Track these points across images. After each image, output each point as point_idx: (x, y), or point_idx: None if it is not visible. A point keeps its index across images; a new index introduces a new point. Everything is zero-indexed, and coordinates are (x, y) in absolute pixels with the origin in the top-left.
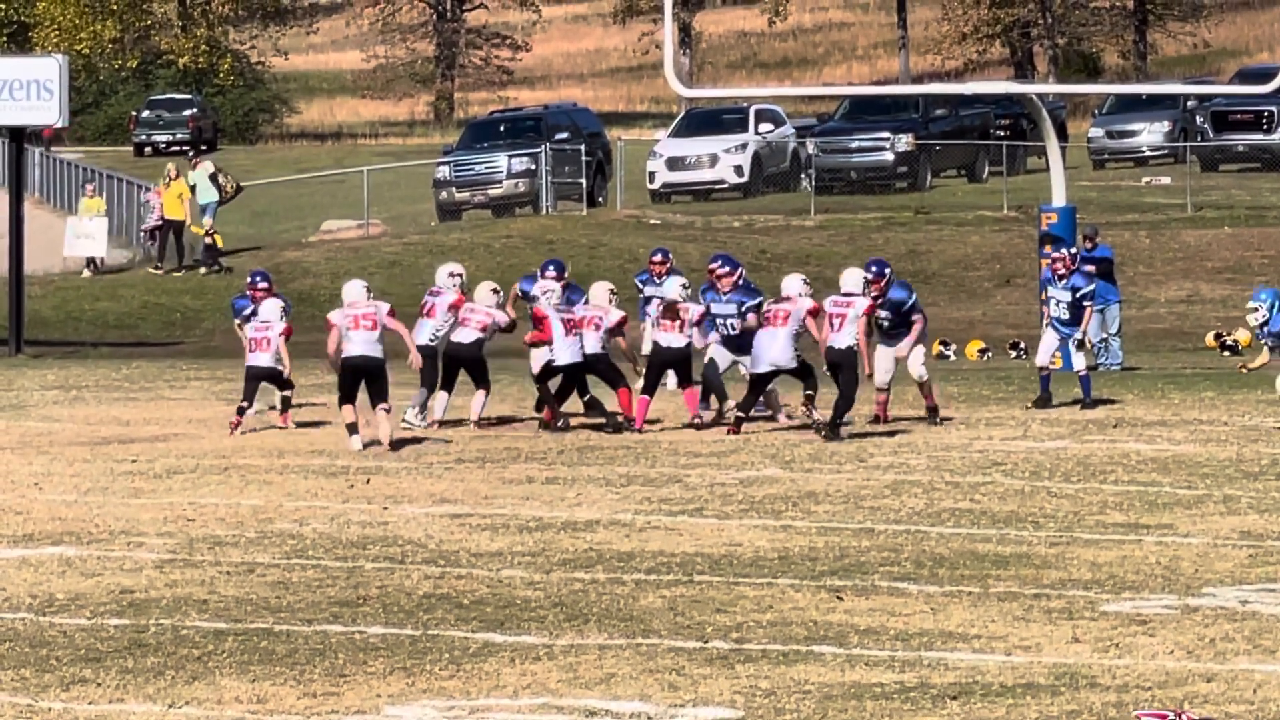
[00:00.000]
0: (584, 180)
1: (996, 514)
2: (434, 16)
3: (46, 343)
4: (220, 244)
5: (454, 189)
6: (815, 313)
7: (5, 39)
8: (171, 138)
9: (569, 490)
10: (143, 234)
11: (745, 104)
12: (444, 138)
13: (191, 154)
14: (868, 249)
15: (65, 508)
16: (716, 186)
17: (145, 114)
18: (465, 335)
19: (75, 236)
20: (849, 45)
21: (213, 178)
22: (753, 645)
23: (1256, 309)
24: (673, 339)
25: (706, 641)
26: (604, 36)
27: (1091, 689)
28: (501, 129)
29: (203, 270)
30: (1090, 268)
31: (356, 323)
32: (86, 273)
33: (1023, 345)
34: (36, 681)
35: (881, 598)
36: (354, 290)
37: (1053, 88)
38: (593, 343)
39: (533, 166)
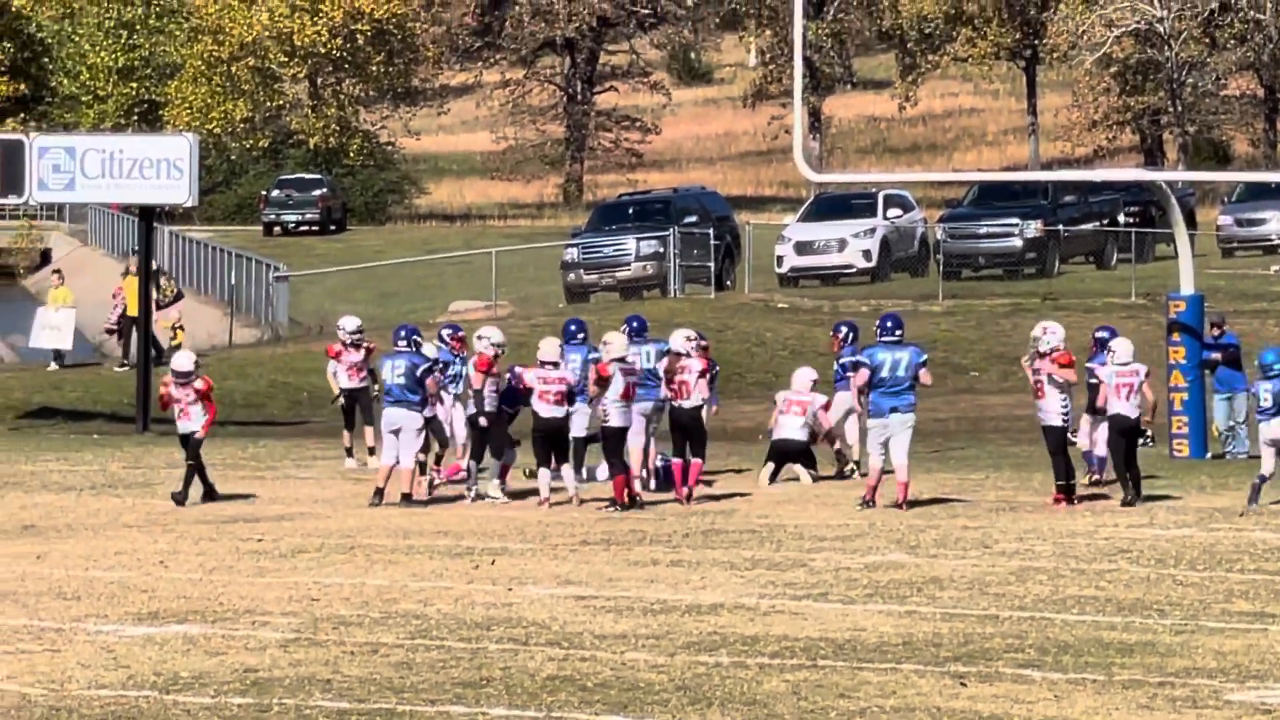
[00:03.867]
0: (712, 264)
1: (1122, 601)
2: (564, 99)
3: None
4: (179, 340)
5: (582, 271)
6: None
7: (136, 118)
8: (300, 217)
9: (694, 573)
10: (103, 332)
11: (874, 189)
12: (572, 220)
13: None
14: (995, 334)
15: (190, 586)
16: (845, 271)
17: (275, 194)
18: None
19: (42, 328)
20: (979, 131)
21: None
22: None
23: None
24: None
25: None
26: (733, 120)
27: None
28: (630, 212)
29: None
30: (1216, 355)
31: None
32: (53, 365)
33: (1150, 433)
34: None
35: (1005, 685)
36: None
37: (1182, 175)
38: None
39: (661, 249)
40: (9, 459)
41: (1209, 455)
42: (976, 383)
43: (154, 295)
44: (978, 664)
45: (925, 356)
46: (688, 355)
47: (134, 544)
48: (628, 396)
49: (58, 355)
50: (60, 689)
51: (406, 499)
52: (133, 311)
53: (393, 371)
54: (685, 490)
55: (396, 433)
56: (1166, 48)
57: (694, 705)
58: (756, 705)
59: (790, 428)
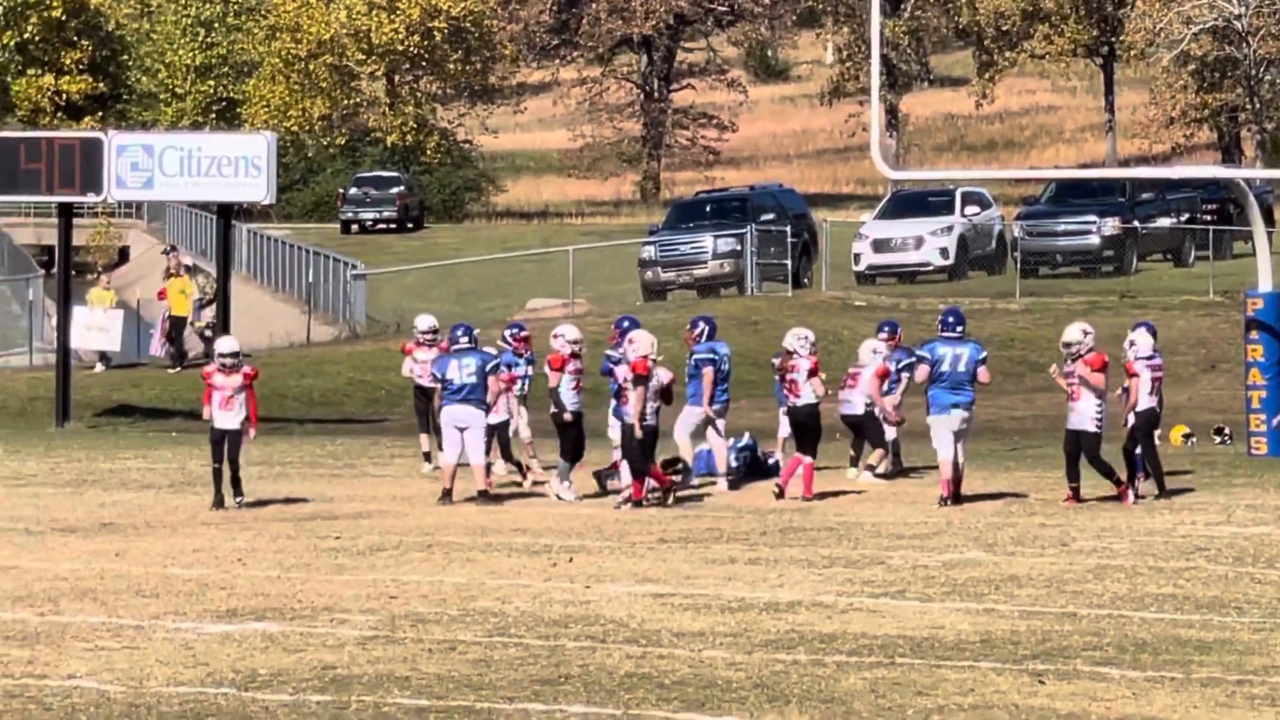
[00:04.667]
0: (789, 261)
1: (1200, 599)
2: (641, 97)
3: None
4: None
5: (659, 269)
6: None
7: (214, 115)
8: (378, 215)
9: (771, 571)
10: (162, 342)
11: (951, 186)
12: (649, 217)
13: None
14: None
15: (269, 583)
16: (922, 269)
17: (353, 191)
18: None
19: (87, 329)
20: (1056, 129)
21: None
22: None
23: None
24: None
25: None
26: (810, 118)
27: None
28: (707, 209)
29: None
30: None
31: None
32: (100, 367)
33: (1227, 431)
34: None
35: (1084, 682)
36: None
37: (1260, 173)
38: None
39: (738, 247)
40: (88, 456)
41: None
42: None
43: (193, 293)
44: (1056, 662)
45: (985, 354)
46: (797, 354)
47: (212, 541)
48: (666, 397)
49: (104, 357)
50: (139, 686)
51: (484, 495)
52: (177, 311)
53: (461, 370)
54: (804, 493)
55: (463, 430)
56: (1244, 44)
57: (771, 703)
58: (834, 703)
59: (851, 402)
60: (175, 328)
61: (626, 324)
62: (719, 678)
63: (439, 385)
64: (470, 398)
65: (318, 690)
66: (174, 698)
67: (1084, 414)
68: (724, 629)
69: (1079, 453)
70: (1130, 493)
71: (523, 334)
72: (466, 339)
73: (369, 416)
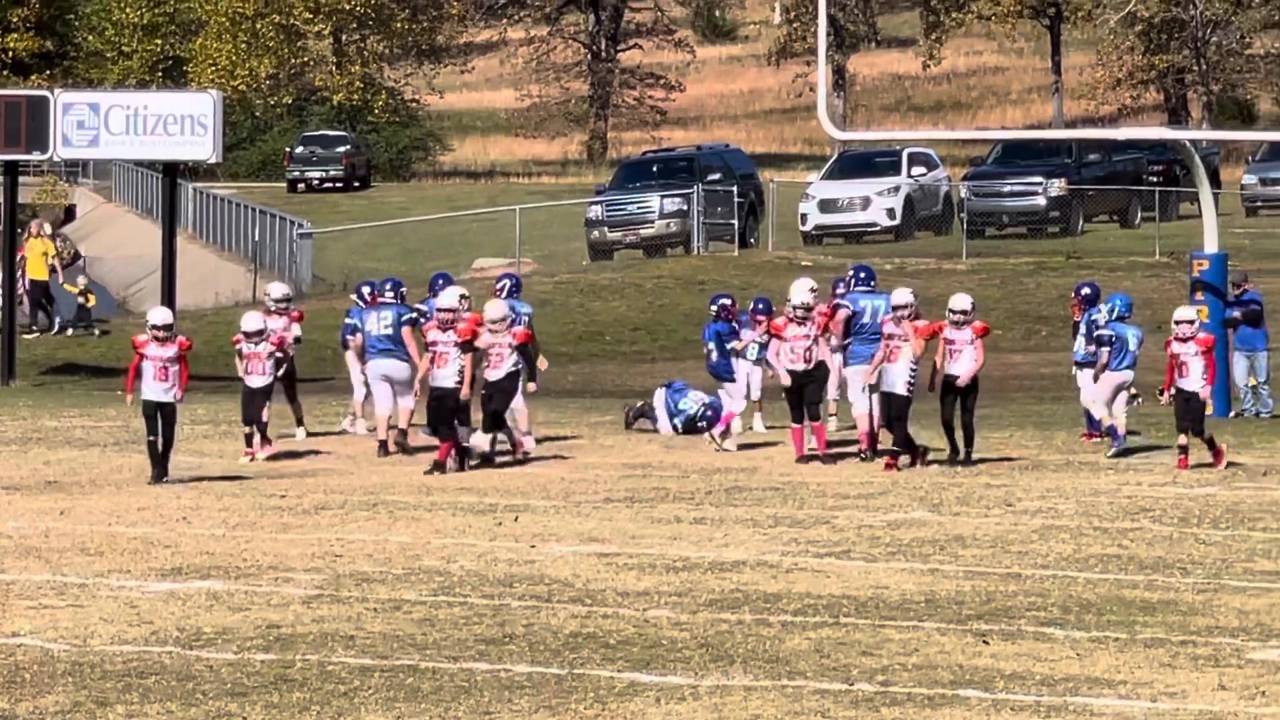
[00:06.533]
0: (736, 221)
1: (1144, 560)
2: (588, 56)
3: (196, 377)
4: (92, 303)
5: (606, 229)
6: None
7: (161, 74)
8: (325, 174)
9: (716, 531)
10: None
11: (898, 147)
12: (596, 177)
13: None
14: (1019, 293)
15: (213, 542)
16: (869, 229)
17: (299, 150)
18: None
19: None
20: (1003, 89)
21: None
22: (898, 689)
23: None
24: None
25: (852, 684)
26: (758, 78)
27: None
28: (654, 169)
29: (70, 331)
30: (1236, 313)
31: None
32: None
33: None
34: (182, 715)
35: (1027, 643)
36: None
37: (1206, 134)
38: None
39: (685, 207)
40: (33, 414)
41: (1232, 414)
42: (1000, 341)
43: (50, 257)
44: (1000, 622)
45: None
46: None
47: (157, 500)
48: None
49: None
50: (83, 644)
51: (403, 435)
52: (34, 275)
53: (380, 323)
54: (818, 452)
55: (390, 381)
56: (1191, 6)
57: (716, 663)
58: (779, 663)
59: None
60: (36, 291)
61: (441, 281)
62: (664, 637)
63: (356, 338)
64: (392, 351)
65: (262, 649)
66: (118, 656)
67: (898, 376)
68: (669, 589)
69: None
70: (894, 465)
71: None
72: (392, 293)
73: (315, 375)
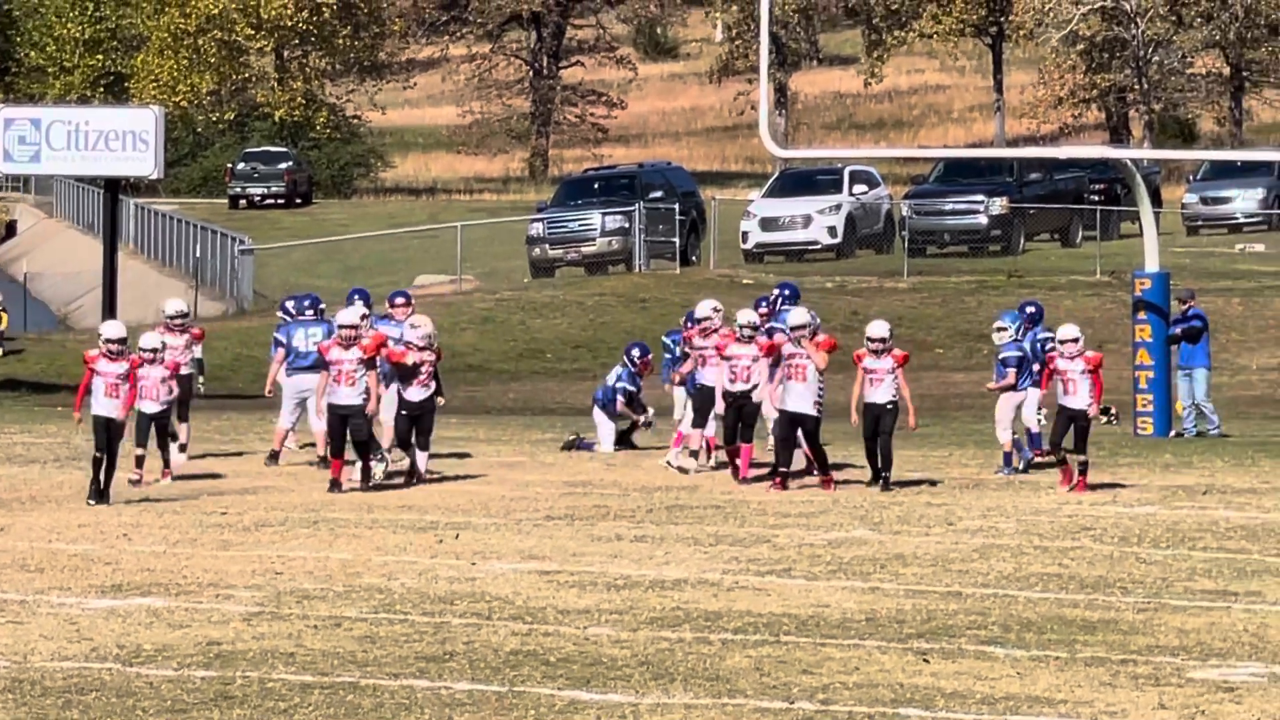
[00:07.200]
0: (677, 239)
1: (1085, 579)
2: (530, 73)
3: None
4: (4, 324)
5: (547, 246)
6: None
7: (102, 90)
8: (266, 191)
9: (657, 549)
10: None
11: (840, 165)
12: (538, 194)
13: None
14: (960, 311)
15: (154, 559)
16: (810, 247)
17: (241, 166)
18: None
19: None
20: (945, 108)
21: None
22: (838, 707)
23: (1004, 329)
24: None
25: (792, 702)
26: (699, 95)
27: None
28: (596, 187)
29: None
30: (1177, 331)
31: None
32: None
33: (1114, 411)
34: None
35: (968, 661)
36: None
37: (1148, 153)
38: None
39: (626, 225)
40: None
41: (1173, 433)
42: (941, 359)
43: None
44: (941, 641)
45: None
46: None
47: (97, 516)
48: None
49: None
50: (23, 661)
51: (272, 456)
52: None
53: (308, 340)
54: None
55: (309, 398)
56: (1133, 25)
57: (656, 680)
58: (719, 681)
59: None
60: None
61: (356, 297)
62: (604, 655)
63: (281, 353)
64: (316, 367)
65: (202, 666)
66: (58, 673)
67: (806, 396)
68: (609, 606)
69: (794, 435)
70: (832, 484)
71: (407, 303)
72: (312, 311)
73: (256, 393)
